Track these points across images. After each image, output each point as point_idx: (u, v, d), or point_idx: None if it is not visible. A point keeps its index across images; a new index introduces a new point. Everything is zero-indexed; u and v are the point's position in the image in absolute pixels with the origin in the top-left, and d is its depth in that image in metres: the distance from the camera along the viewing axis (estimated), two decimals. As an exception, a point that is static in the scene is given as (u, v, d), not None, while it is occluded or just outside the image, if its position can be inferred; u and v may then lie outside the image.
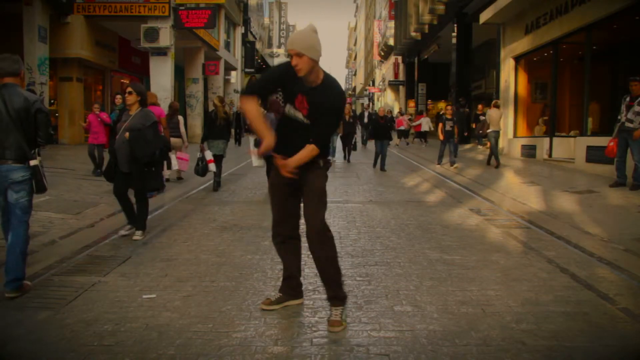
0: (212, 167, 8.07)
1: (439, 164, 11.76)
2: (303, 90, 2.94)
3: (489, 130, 11.43)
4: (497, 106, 12.38)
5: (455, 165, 11.15)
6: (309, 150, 2.94)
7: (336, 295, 3.05)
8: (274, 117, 6.95)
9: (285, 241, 3.25)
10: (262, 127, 2.91)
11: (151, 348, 2.70)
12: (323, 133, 2.99)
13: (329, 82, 2.98)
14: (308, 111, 2.94)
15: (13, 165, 3.54)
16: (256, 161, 7.84)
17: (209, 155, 8.09)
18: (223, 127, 8.28)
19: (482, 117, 14.24)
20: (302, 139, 2.94)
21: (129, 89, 5.17)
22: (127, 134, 4.96)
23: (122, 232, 5.22)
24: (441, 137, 11.64)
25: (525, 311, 3.22)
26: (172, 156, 8.55)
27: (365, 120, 17.64)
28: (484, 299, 3.43)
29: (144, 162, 5.01)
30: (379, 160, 11.63)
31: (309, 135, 2.94)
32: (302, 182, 3.03)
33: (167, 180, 8.48)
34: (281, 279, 3.36)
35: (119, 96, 8.77)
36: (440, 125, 11.67)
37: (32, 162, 3.58)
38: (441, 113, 18.11)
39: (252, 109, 2.92)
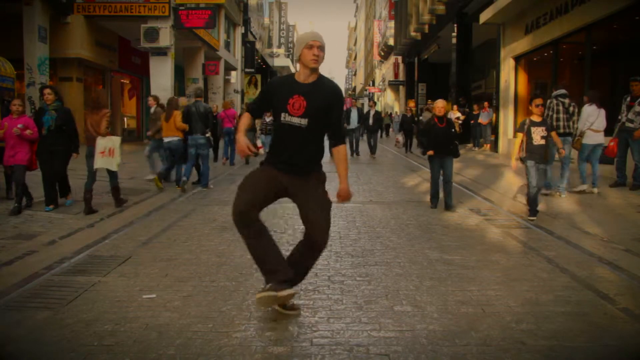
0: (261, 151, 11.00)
1: (532, 215, 6.04)
2: (299, 90, 2.97)
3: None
4: (428, 110, 14.71)
5: (554, 193, 6.87)
6: (343, 155, 3.15)
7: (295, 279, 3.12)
8: None
9: (261, 228, 3.03)
10: (238, 134, 3.16)
11: (151, 348, 2.70)
12: (338, 128, 3.11)
13: (324, 78, 3.07)
14: (305, 110, 2.94)
15: (199, 136, 8.10)
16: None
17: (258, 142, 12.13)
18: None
19: (421, 118, 15.94)
20: (300, 144, 2.99)
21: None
22: None
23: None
24: (519, 154, 6.22)
25: (525, 311, 3.22)
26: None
27: (371, 122, 14.73)
28: (484, 299, 3.43)
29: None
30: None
31: (305, 139, 2.98)
32: (302, 187, 3.04)
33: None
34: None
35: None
36: (522, 137, 6.20)
37: (207, 134, 8.22)
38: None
39: (242, 121, 3.23)
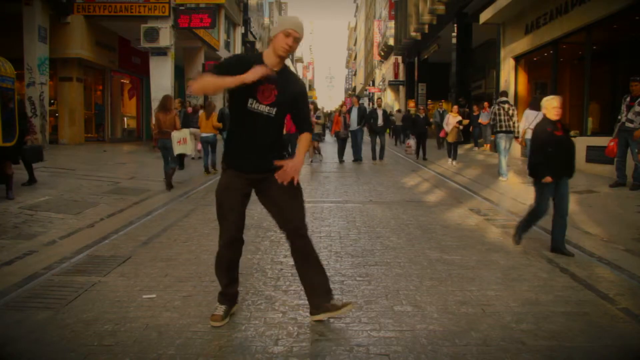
0: None
1: None
2: (270, 78, 2.75)
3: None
4: (399, 111, 16.28)
5: None
6: (307, 140, 3.00)
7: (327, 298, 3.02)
8: None
9: (239, 247, 3.04)
10: (225, 80, 2.70)
11: (151, 348, 2.70)
12: (308, 117, 3.05)
13: (288, 68, 2.98)
14: (276, 99, 2.80)
15: None
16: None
17: None
18: None
19: (392, 117, 17.70)
20: (264, 134, 2.85)
21: None
22: None
23: None
24: None
25: (525, 311, 3.22)
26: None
27: (381, 122, 12.94)
28: (484, 299, 3.43)
29: None
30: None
31: (270, 128, 2.85)
32: (269, 183, 2.88)
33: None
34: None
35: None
36: None
37: None
38: None
39: (209, 78, 2.77)
